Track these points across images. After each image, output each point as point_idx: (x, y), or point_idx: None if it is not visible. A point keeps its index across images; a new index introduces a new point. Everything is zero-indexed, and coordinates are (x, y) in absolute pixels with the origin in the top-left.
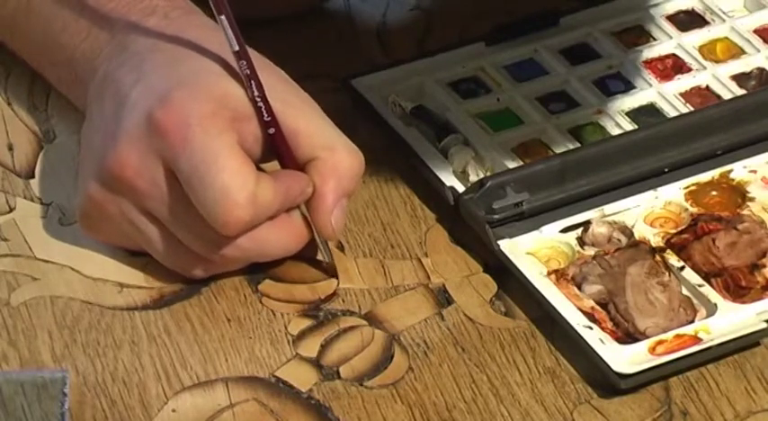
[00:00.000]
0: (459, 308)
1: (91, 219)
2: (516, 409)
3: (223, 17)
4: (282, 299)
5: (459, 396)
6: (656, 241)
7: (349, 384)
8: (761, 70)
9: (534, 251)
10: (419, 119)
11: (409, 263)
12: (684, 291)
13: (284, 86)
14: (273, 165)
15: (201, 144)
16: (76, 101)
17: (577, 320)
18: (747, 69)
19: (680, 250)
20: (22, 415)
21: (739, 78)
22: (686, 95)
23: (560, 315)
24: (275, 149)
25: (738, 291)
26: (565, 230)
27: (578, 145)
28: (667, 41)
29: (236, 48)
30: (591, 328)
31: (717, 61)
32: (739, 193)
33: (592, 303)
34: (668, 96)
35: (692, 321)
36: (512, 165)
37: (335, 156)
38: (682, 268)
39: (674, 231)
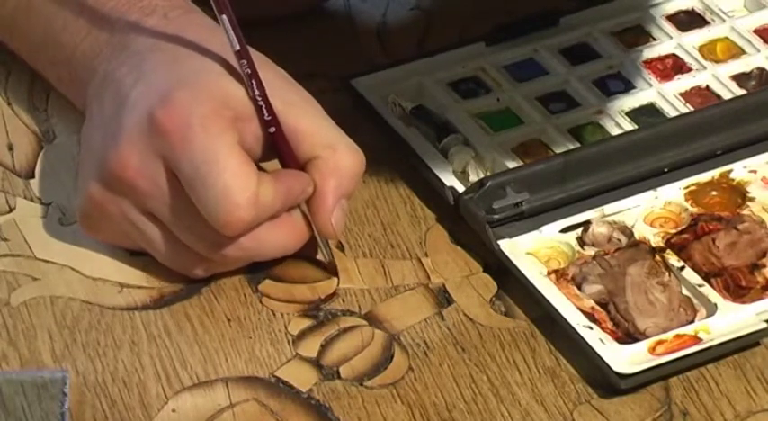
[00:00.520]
0: (459, 308)
1: (91, 219)
2: (516, 409)
3: (224, 17)
4: (282, 299)
5: (459, 396)
6: (656, 241)
7: (349, 384)
8: (761, 70)
9: (534, 251)
10: (419, 119)
11: (409, 263)
12: (684, 291)
13: (285, 85)
14: (275, 163)
15: (202, 144)
16: (76, 100)
17: (577, 320)
18: (747, 69)
19: (680, 250)
20: (22, 415)
21: (739, 78)
22: (686, 95)
23: (560, 315)
24: (276, 148)
25: (738, 291)
26: (565, 230)
27: (578, 145)
28: (667, 41)
29: (237, 47)
30: (591, 328)
31: (717, 61)
32: (739, 193)
33: (592, 303)
34: (668, 96)
35: (692, 321)
36: (512, 165)
37: (337, 155)
38: (682, 268)
39: (674, 231)
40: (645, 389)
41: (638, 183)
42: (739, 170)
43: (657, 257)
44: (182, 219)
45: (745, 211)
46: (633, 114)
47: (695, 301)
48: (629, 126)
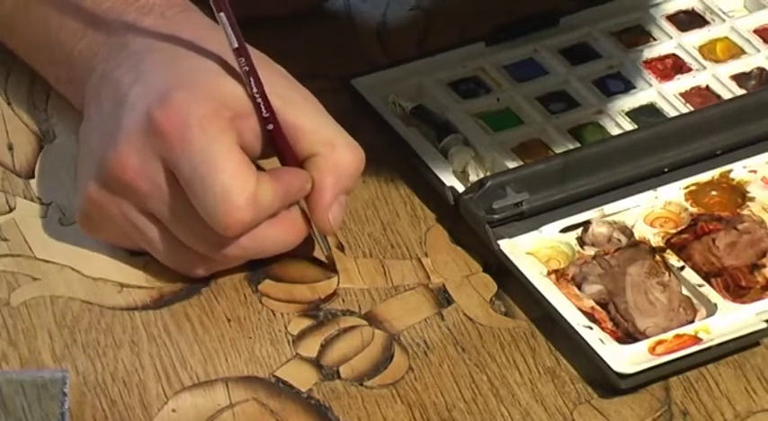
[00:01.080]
0: (459, 308)
1: (91, 220)
2: (516, 409)
3: (222, 14)
4: (282, 299)
5: (459, 396)
6: (656, 241)
7: (349, 384)
8: (761, 70)
9: (534, 251)
10: (419, 119)
11: (409, 263)
12: (684, 291)
13: (284, 83)
14: (274, 161)
15: (201, 145)
16: (74, 100)
17: (577, 320)
18: (747, 69)
19: (680, 250)
20: (22, 415)
21: (739, 78)
22: (686, 95)
23: (560, 315)
24: (275, 146)
25: (738, 290)
26: (565, 230)
27: (578, 145)
28: (667, 41)
29: (236, 44)
30: (591, 328)
31: (717, 61)
32: (739, 193)
33: (592, 303)
34: (668, 96)
35: (692, 321)
36: (512, 165)
37: (335, 152)
38: (682, 268)
39: (674, 231)
40: (645, 389)
41: (638, 183)
42: (739, 170)
43: (657, 257)
44: (181, 220)
45: (745, 211)
46: (633, 114)
47: (695, 301)
48: (629, 126)
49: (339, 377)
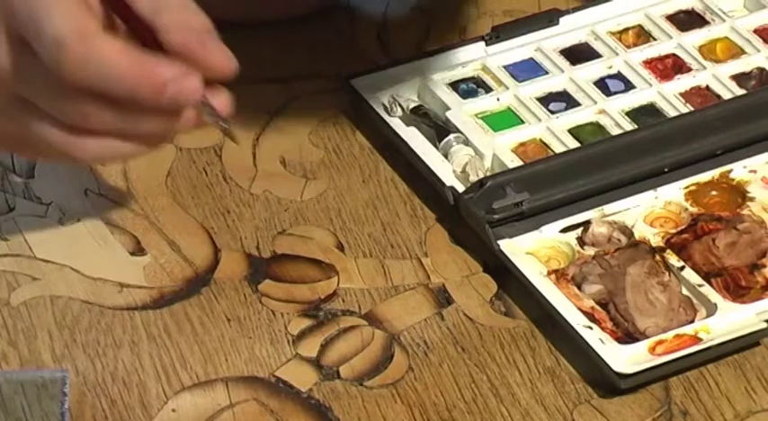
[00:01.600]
0: (459, 308)
1: None
2: (516, 409)
3: None
4: (282, 299)
5: (459, 396)
6: (656, 241)
7: (349, 384)
8: (761, 70)
9: (534, 251)
10: (419, 119)
11: (409, 263)
12: (684, 291)
13: None
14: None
15: None
16: None
17: (577, 320)
18: (747, 69)
19: (680, 250)
20: (22, 415)
21: (739, 78)
22: (686, 95)
23: (560, 315)
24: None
25: (738, 290)
26: (565, 230)
27: (578, 145)
28: (667, 41)
29: None
30: (591, 328)
31: (717, 61)
32: (739, 193)
33: (592, 303)
34: (668, 96)
35: (692, 321)
36: (512, 165)
37: (178, 11)
38: (682, 268)
39: (674, 231)
40: (645, 389)
41: (638, 183)
42: (739, 170)
43: (657, 257)
44: (31, 87)
45: (745, 211)
46: (633, 114)
47: (695, 301)
48: (629, 126)
49: (339, 377)
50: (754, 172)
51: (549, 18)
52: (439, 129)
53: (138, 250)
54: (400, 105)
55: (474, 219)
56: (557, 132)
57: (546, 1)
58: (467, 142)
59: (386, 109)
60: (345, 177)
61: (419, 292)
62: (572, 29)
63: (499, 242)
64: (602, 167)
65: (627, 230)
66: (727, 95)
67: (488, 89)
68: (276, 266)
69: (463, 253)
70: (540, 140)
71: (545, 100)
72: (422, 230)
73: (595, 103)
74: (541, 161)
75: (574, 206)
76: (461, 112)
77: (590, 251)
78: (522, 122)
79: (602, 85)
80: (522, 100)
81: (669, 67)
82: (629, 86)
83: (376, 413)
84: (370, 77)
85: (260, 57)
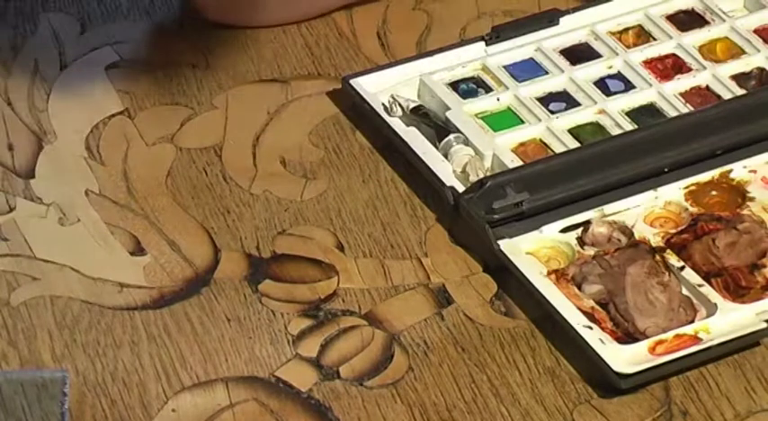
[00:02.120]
0: (459, 308)
1: None
2: (516, 409)
3: None
4: (282, 299)
5: (459, 396)
6: (656, 241)
7: (349, 384)
8: (761, 70)
9: (534, 251)
10: (419, 119)
11: (409, 263)
12: (684, 291)
13: None
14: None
15: None
16: None
17: (577, 320)
18: (747, 69)
19: (680, 250)
20: (22, 415)
21: (739, 78)
22: (686, 95)
23: (560, 315)
24: None
25: (738, 290)
26: (565, 230)
27: (578, 145)
28: (667, 41)
29: None
30: (591, 328)
31: (717, 61)
32: (739, 193)
33: (592, 303)
34: (668, 96)
35: (692, 321)
36: (512, 165)
37: None
38: (682, 268)
39: (674, 231)
40: (645, 389)
41: (638, 183)
42: (739, 170)
43: (657, 257)
44: None
45: (745, 211)
46: (633, 114)
47: (695, 301)
48: (629, 126)
49: (339, 377)
50: (754, 172)
51: (549, 18)
52: (439, 129)
53: (138, 250)
54: (400, 105)
55: (474, 219)
56: (557, 132)
57: (546, 1)
58: (467, 142)
59: (386, 109)
60: (345, 177)
61: (419, 292)
62: (572, 29)
63: (499, 242)
64: (602, 167)
65: (627, 230)
66: (727, 95)
67: (488, 89)
68: (276, 266)
69: (463, 253)
70: (540, 140)
71: (545, 100)
72: (422, 230)
73: (595, 102)
74: (541, 161)
75: (574, 206)
76: (461, 112)
77: (590, 251)
78: (522, 122)
79: (602, 85)
80: (522, 100)
81: (669, 67)
82: (629, 86)
83: (376, 413)
84: (370, 77)
85: (260, 57)
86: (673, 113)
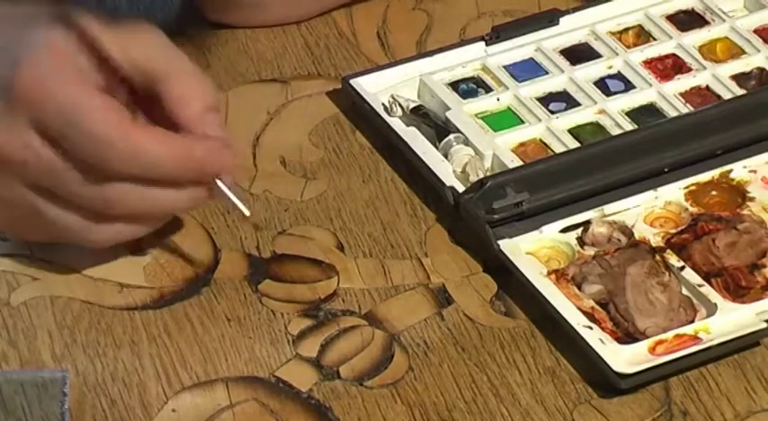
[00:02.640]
0: (459, 308)
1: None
2: (516, 409)
3: None
4: (282, 299)
5: (459, 396)
6: (656, 241)
7: (349, 384)
8: (761, 70)
9: (534, 251)
10: (419, 119)
11: (409, 263)
12: (684, 291)
13: (113, 29)
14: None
15: (61, 92)
16: None
17: (577, 320)
18: (747, 69)
19: (680, 250)
20: (22, 415)
21: (739, 78)
22: (686, 95)
23: (560, 315)
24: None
25: (738, 290)
26: (565, 230)
27: (578, 145)
28: (667, 41)
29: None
30: (591, 328)
31: (717, 61)
32: (739, 193)
33: (592, 303)
34: (668, 96)
35: (692, 321)
36: (512, 165)
37: (182, 80)
38: (682, 268)
39: (674, 231)
40: (645, 389)
41: (638, 183)
42: (739, 170)
43: (657, 257)
44: (59, 179)
45: (745, 211)
46: (633, 114)
47: (695, 301)
48: (629, 126)
49: (339, 377)
50: (754, 172)
51: (549, 18)
52: (439, 129)
53: (138, 250)
54: (400, 105)
55: (474, 219)
56: (557, 132)
57: (546, 1)
58: (467, 142)
59: (386, 109)
60: (345, 177)
61: (419, 292)
62: (572, 29)
63: (499, 242)
64: (602, 167)
65: (627, 230)
66: (727, 95)
67: (488, 89)
68: (276, 266)
69: (463, 253)
70: (540, 140)
71: (545, 100)
72: (422, 230)
73: (595, 102)
74: (541, 161)
75: (574, 206)
76: (461, 112)
77: (590, 251)
78: (522, 122)
79: (602, 85)
80: (522, 100)
81: (669, 67)
82: (629, 86)
83: (376, 413)
84: (370, 77)
85: (260, 57)
86: (673, 113)
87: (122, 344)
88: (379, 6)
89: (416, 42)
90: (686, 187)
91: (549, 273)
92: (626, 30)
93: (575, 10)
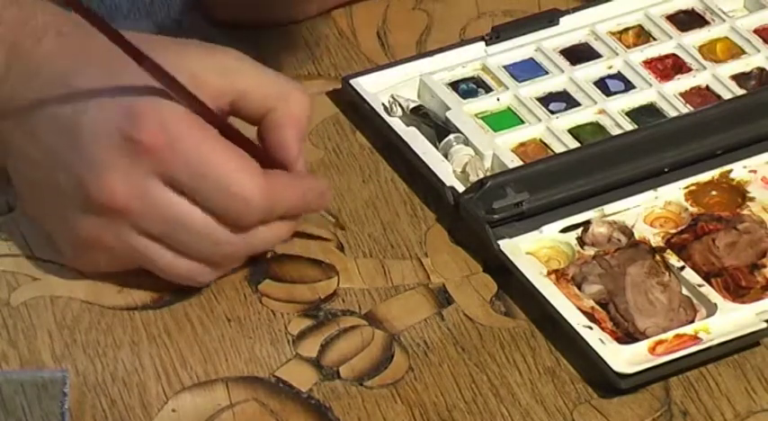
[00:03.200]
0: (459, 308)
1: (88, 256)
2: (516, 409)
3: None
4: (282, 299)
5: (459, 396)
6: (656, 241)
7: (349, 384)
8: (761, 70)
9: (534, 251)
10: (419, 119)
11: (409, 263)
12: (684, 291)
13: (211, 59)
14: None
15: (192, 148)
16: None
17: (577, 320)
18: (747, 69)
19: (680, 250)
20: (22, 415)
21: (739, 78)
22: (686, 95)
23: (560, 315)
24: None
25: (738, 290)
26: (565, 230)
27: (578, 145)
28: (667, 41)
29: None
30: (591, 328)
31: (717, 61)
32: (739, 193)
33: (592, 303)
34: (668, 96)
35: (692, 321)
36: (512, 165)
37: (288, 104)
38: (682, 268)
39: (674, 231)
40: (645, 389)
41: (638, 183)
42: (739, 170)
43: (657, 257)
44: (179, 231)
45: (745, 211)
46: (633, 114)
47: (695, 301)
48: (629, 126)
49: (339, 377)
50: (754, 172)
51: (549, 18)
52: (439, 129)
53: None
54: (400, 105)
55: (474, 219)
56: (557, 132)
57: (546, 1)
58: (467, 142)
59: (386, 109)
60: (345, 177)
61: (419, 292)
62: (572, 29)
63: (499, 242)
64: (602, 167)
65: (627, 230)
66: (727, 95)
67: (488, 89)
68: (276, 266)
69: (463, 253)
70: (540, 140)
71: (545, 100)
72: (422, 230)
73: (595, 102)
74: (541, 161)
75: (574, 206)
76: (461, 112)
77: (590, 251)
78: (522, 122)
79: (602, 85)
80: (522, 100)
81: (669, 67)
82: (629, 86)
83: (376, 413)
84: (370, 77)
85: (260, 57)
86: (673, 113)
87: (122, 344)
88: (379, 6)
89: (416, 42)
90: (686, 187)
91: (549, 273)
92: (626, 30)
93: (575, 10)
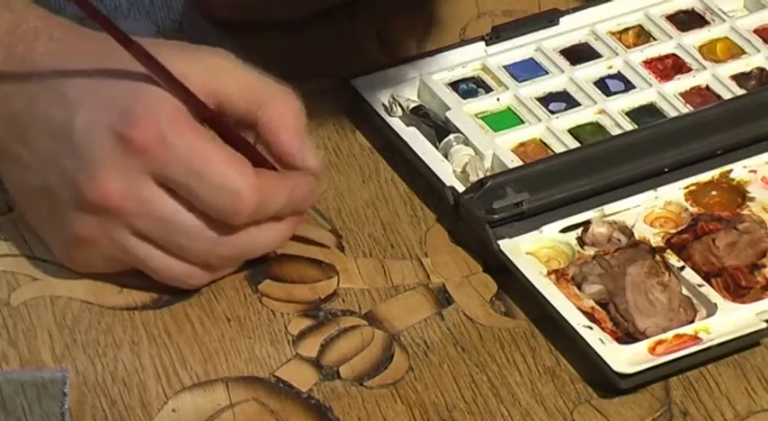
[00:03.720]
0: (459, 308)
1: (81, 256)
2: (516, 409)
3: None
4: (282, 299)
5: (459, 396)
6: (656, 241)
7: (349, 384)
8: (761, 70)
9: (534, 251)
10: (419, 119)
11: (409, 263)
12: (684, 291)
13: (197, 59)
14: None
15: (185, 146)
16: None
17: (577, 320)
18: (747, 69)
19: (680, 250)
20: (22, 415)
21: (739, 78)
22: (686, 95)
23: (560, 315)
24: (219, 132)
25: (738, 290)
26: (565, 230)
27: (578, 145)
28: (667, 41)
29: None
30: (591, 328)
31: (717, 61)
32: (739, 193)
33: (592, 303)
34: (668, 96)
35: (692, 321)
36: (512, 165)
37: (276, 106)
38: (682, 268)
39: (674, 231)
40: (645, 389)
41: (638, 183)
42: (739, 170)
43: (657, 257)
44: (173, 231)
45: (745, 211)
46: (633, 114)
47: (695, 301)
48: (629, 126)
49: (339, 377)
50: (754, 172)
51: (549, 18)
52: (439, 129)
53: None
54: (400, 105)
55: (474, 219)
56: (557, 132)
57: (546, 1)
58: (467, 142)
59: (386, 109)
60: (345, 177)
61: (419, 292)
62: (572, 29)
63: (499, 242)
64: (602, 167)
65: (627, 230)
66: (727, 95)
67: (488, 89)
68: (276, 266)
69: (463, 253)
70: (540, 140)
71: (545, 100)
72: (422, 230)
73: (595, 102)
74: (541, 161)
75: (574, 206)
76: (461, 112)
77: (590, 251)
78: (522, 122)
79: (602, 85)
80: (522, 100)
81: (669, 67)
82: (629, 86)
83: (376, 413)
84: (370, 77)
85: (260, 57)
86: (673, 113)
87: (122, 344)
88: (379, 6)
89: (416, 42)
90: (686, 187)
91: (549, 273)
92: (626, 30)
93: (575, 10)
